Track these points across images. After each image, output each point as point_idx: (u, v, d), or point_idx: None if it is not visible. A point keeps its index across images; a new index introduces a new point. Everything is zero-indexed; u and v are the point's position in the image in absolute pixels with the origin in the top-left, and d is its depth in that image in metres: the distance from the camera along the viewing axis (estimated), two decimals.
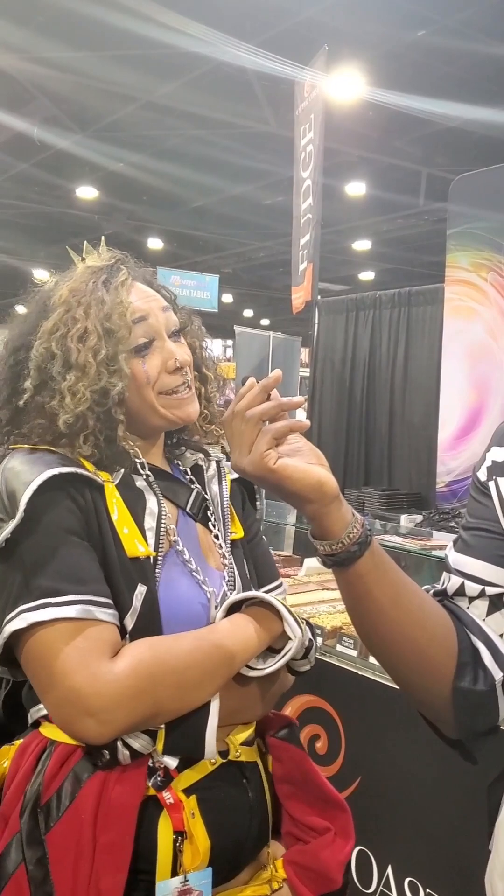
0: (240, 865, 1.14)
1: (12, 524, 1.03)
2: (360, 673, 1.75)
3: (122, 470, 1.15)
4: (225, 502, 1.27)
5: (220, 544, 1.22)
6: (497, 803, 0.96)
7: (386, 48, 6.17)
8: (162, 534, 1.13)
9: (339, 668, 1.86)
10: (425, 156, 9.06)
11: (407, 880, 1.72)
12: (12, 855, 1.03)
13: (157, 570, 1.10)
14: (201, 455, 1.30)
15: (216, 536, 1.23)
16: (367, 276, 16.50)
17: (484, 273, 3.75)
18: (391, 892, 1.75)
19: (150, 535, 1.12)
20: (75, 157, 9.03)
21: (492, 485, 0.98)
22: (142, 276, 1.22)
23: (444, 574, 1.01)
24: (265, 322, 21.35)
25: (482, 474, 1.00)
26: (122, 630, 1.05)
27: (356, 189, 10.04)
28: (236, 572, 1.21)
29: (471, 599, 0.96)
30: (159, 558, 1.11)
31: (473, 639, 0.94)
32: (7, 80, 7.08)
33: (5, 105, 7.64)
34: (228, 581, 1.20)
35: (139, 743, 1.03)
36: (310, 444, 0.92)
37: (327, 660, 1.92)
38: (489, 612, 0.95)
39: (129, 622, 1.05)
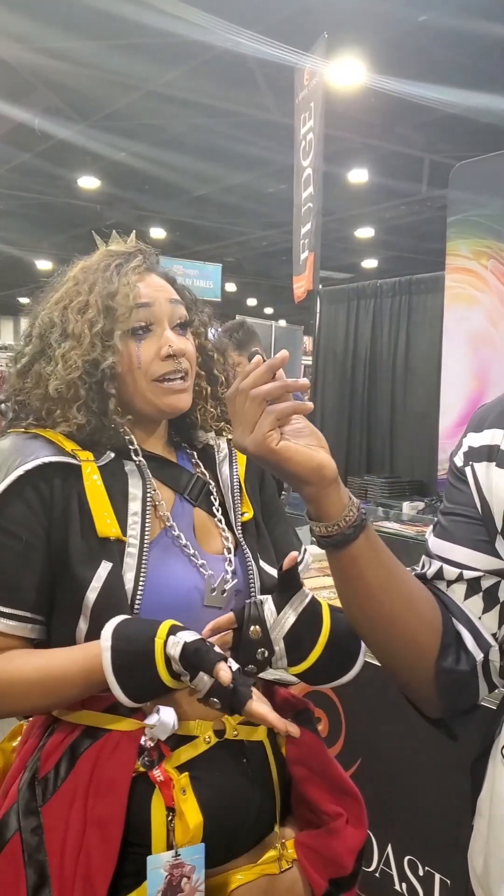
0: (240, 844, 1.16)
1: None
2: None
3: (112, 454, 1.17)
4: (235, 483, 1.28)
5: (222, 528, 1.23)
6: (480, 781, 0.99)
7: (387, 34, 6.13)
8: (148, 518, 1.15)
9: None
10: (428, 142, 9.01)
11: (406, 858, 1.75)
12: (10, 823, 1.09)
13: (144, 551, 1.12)
14: (212, 434, 1.32)
15: (220, 520, 1.24)
16: (370, 263, 16.45)
17: (484, 260, 3.74)
18: (391, 871, 1.79)
19: (135, 519, 1.14)
20: (77, 147, 9.01)
21: (468, 470, 0.99)
22: (163, 272, 1.25)
23: (424, 558, 1.03)
24: (269, 311, 21.32)
25: (458, 460, 1.02)
26: (86, 605, 1.09)
27: (358, 176, 10.00)
28: (244, 554, 1.22)
29: (449, 583, 0.98)
30: (134, 540, 1.12)
31: (455, 622, 0.97)
32: (7, 71, 7.06)
33: (6, 95, 7.62)
34: (229, 562, 1.21)
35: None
36: (311, 426, 0.92)
37: None
38: (467, 595, 0.97)
39: (91, 597, 1.09)
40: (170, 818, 1.07)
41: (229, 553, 1.22)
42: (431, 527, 1.06)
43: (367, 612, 0.96)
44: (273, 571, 1.23)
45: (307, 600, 1.10)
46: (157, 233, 13.60)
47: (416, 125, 8.42)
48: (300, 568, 1.19)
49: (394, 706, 1.51)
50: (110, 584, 1.10)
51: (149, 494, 1.17)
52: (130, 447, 1.20)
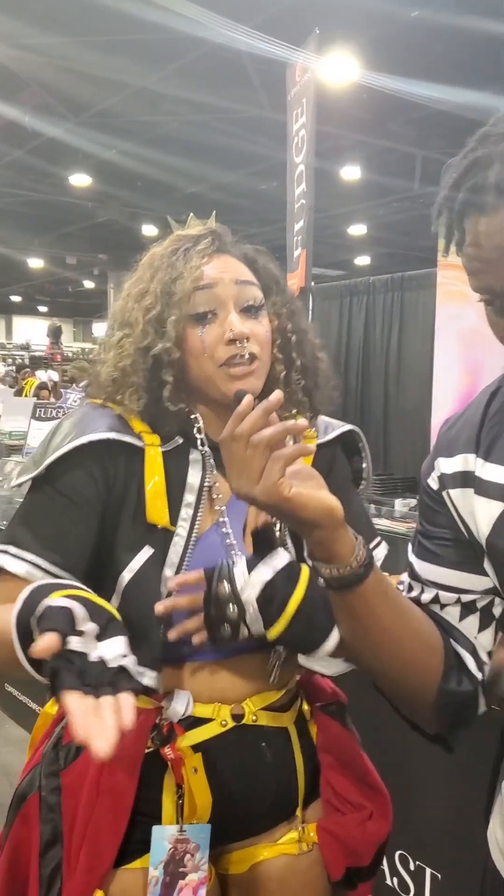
0: (257, 824, 1.18)
1: (32, 474, 1.11)
2: None
3: (181, 440, 1.16)
4: None
5: (279, 527, 1.19)
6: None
7: (379, 30, 6.13)
8: (201, 510, 1.14)
9: None
10: (420, 139, 9.03)
11: (398, 853, 1.77)
12: (34, 782, 1.16)
13: (190, 544, 1.13)
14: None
15: (274, 521, 1.19)
16: (363, 260, 16.49)
17: None
18: (383, 865, 1.80)
19: (188, 511, 1.13)
20: (68, 145, 9.00)
21: (444, 495, 0.98)
22: (240, 252, 1.19)
23: (412, 581, 1.01)
24: None
25: (434, 483, 0.99)
26: (119, 584, 1.10)
27: (351, 173, 10.01)
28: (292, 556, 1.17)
29: (443, 606, 0.98)
30: (183, 531, 1.12)
31: (454, 643, 0.96)
32: None
33: None
34: None
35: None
36: (307, 466, 0.90)
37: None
38: (462, 616, 0.97)
39: (126, 576, 1.10)
40: (179, 795, 1.11)
41: None
42: (411, 545, 1.04)
43: (378, 648, 0.94)
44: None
45: (283, 561, 1.08)
46: (149, 230, 13.60)
47: (407, 121, 8.44)
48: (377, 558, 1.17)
49: (387, 706, 1.52)
50: (147, 569, 1.11)
51: (206, 486, 1.15)
52: (197, 436, 1.17)
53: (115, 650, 0.85)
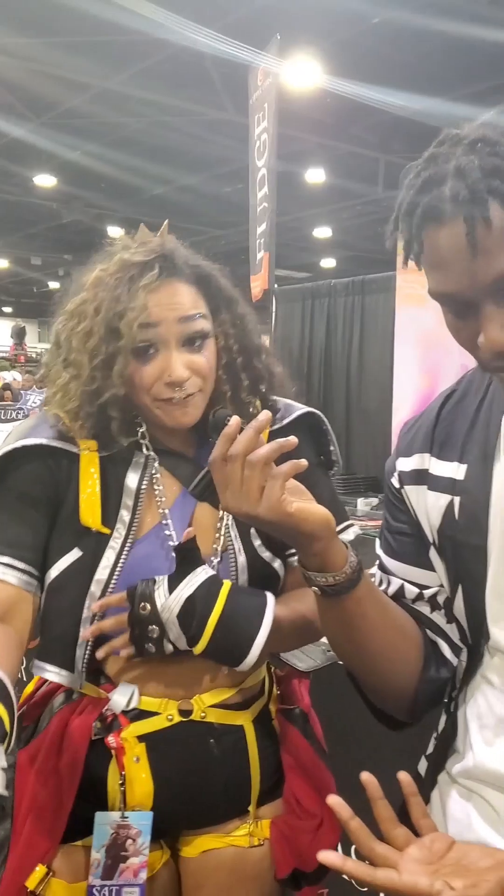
0: (205, 817, 1.22)
1: None
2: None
3: (126, 443, 1.18)
4: None
5: (226, 525, 1.21)
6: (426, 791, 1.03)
7: (342, 35, 6.19)
8: (139, 512, 1.17)
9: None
10: (383, 143, 9.12)
11: (352, 848, 1.80)
12: None
13: (126, 546, 1.15)
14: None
15: (221, 517, 1.22)
16: (328, 263, 16.59)
17: None
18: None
19: (125, 514, 1.16)
20: (32, 146, 8.94)
21: (403, 493, 1.04)
22: (190, 273, 1.17)
23: (382, 575, 1.07)
24: None
25: (395, 482, 1.05)
26: (46, 580, 1.15)
27: (316, 176, 10.08)
28: (236, 554, 1.21)
29: (413, 600, 1.03)
30: (119, 534, 1.15)
31: (429, 633, 1.02)
32: None
33: None
34: (214, 567, 1.19)
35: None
36: (294, 480, 0.92)
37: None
38: (432, 609, 1.03)
39: (52, 574, 1.15)
40: (122, 782, 1.16)
41: (216, 558, 1.20)
42: (379, 541, 1.10)
43: (366, 648, 0.98)
44: (276, 563, 1.23)
45: (202, 578, 1.11)
46: (115, 231, 13.56)
47: (370, 126, 8.52)
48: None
49: (356, 707, 1.57)
50: (73, 571, 1.15)
51: (143, 489, 1.18)
52: (142, 441, 1.21)
53: None
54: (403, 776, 0.85)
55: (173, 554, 1.15)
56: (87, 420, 1.16)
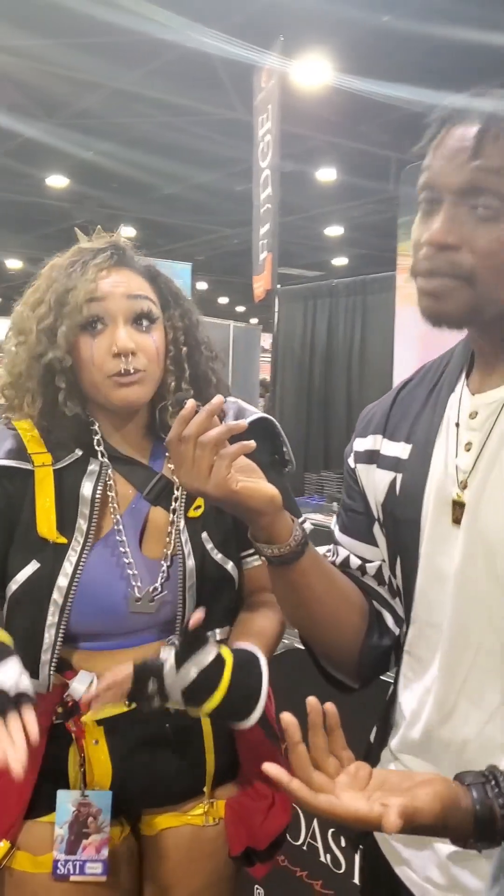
0: (161, 796, 1.28)
1: None
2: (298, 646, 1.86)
3: (80, 452, 1.23)
4: None
5: (178, 528, 1.25)
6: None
7: (351, 33, 6.20)
8: (95, 520, 1.21)
9: (301, 651, 1.96)
10: (394, 141, 9.12)
11: (330, 831, 1.86)
12: None
13: (84, 553, 1.20)
14: None
15: (173, 521, 1.26)
16: (340, 261, 16.57)
17: None
18: (317, 843, 1.89)
19: (82, 521, 1.21)
20: (44, 146, 8.99)
21: (356, 471, 1.11)
22: (140, 267, 1.25)
23: (335, 547, 1.15)
24: (240, 309, 21.35)
25: (351, 461, 1.13)
26: (7, 594, 1.21)
27: (326, 175, 10.09)
28: (185, 559, 1.24)
29: (363, 573, 1.11)
30: (77, 544, 1.20)
31: (375, 603, 1.10)
32: None
33: None
34: (163, 572, 1.24)
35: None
36: (246, 459, 0.99)
37: (291, 642, 2.00)
38: (379, 584, 1.11)
39: (12, 587, 1.20)
40: (82, 764, 1.22)
41: (166, 562, 1.25)
42: (336, 517, 1.18)
43: (312, 614, 1.07)
44: (228, 565, 1.28)
45: (209, 657, 1.13)
46: (127, 231, 13.60)
47: (382, 124, 8.52)
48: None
49: (319, 692, 1.61)
50: (32, 582, 1.20)
51: (98, 497, 1.22)
52: (97, 447, 1.25)
53: (10, 676, 0.97)
54: (310, 700, 0.90)
55: (126, 560, 1.22)
56: (35, 392, 1.21)
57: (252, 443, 0.97)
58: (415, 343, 3.81)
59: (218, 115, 8.03)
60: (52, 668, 1.21)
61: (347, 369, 4.77)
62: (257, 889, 2.08)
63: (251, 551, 1.30)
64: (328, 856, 1.89)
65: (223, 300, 21.87)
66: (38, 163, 9.93)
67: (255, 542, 1.01)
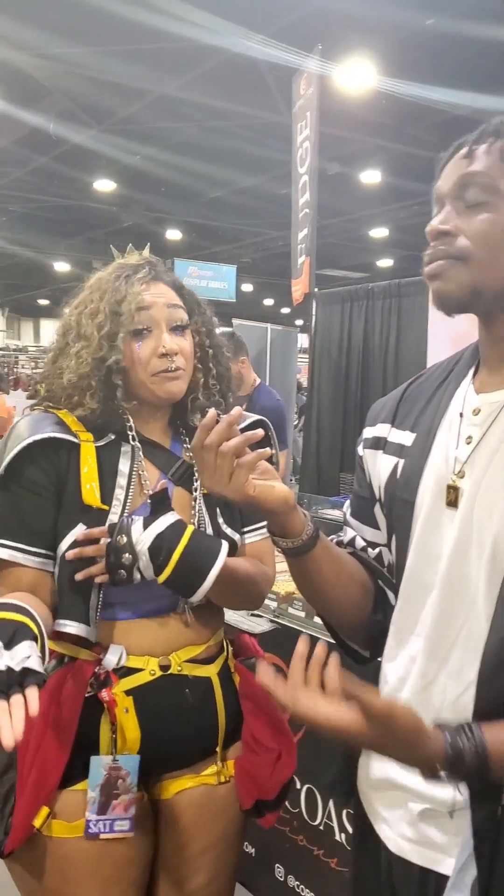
0: (180, 759, 1.41)
1: None
2: (306, 631, 1.94)
3: (113, 436, 1.40)
4: None
5: (199, 505, 1.43)
6: None
7: (396, 36, 6.20)
8: (132, 491, 1.38)
9: (290, 629, 2.07)
10: (439, 143, 9.05)
11: (344, 812, 1.93)
12: None
13: (124, 518, 1.35)
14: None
15: (195, 499, 1.44)
16: (385, 263, 16.53)
17: None
18: (332, 823, 1.97)
19: (120, 492, 1.37)
20: (92, 151, 9.19)
21: (364, 457, 1.22)
22: (170, 280, 1.46)
23: (345, 526, 1.27)
24: (285, 311, 21.41)
25: (360, 449, 1.24)
26: (58, 554, 1.34)
27: (371, 177, 10.11)
28: (206, 528, 1.43)
29: (370, 556, 1.22)
30: (117, 508, 1.35)
31: (380, 582, 1.22)
32: (23, 77, 7.24)
33: (22, 101, 7.81)
34: None
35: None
36: (264, 462, 1.09)
37: (280, 621, 2.13)
38: (384, 564, 1.21)
39: (63, 548, 1.34)
40: (113, 731, 1.34)
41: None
42: (348, 501, 1.30)
43: (325, 596, 1.19)
44: (236, 537, 1.47)
45: (171, 519, 1.32)
46: (174, 234, 13.77)
47: (426, 126, 8.50)
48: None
49: None
50: (80, 542, 1.34)
51: (134, 472, 1.39)
52: (129, 432, 1.42)
53: (19, 655, 1.06)
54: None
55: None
56: (96, 389, 1.37)
57: (268, 451, 1.09)
58: (447, 345, 3.85)
59: (262, 119, 8.10)
60: (97, 617, 1.35)
61: (383, 371, 4.81)
62: (278, 867, 2.17)
63: (251, 528, 1.50)
64: (343, 835, 1.97)
65: (268, 302, 21.97)
66: (85, 168, 10.13)
67: (271, 535, 1.13)
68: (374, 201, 11.25)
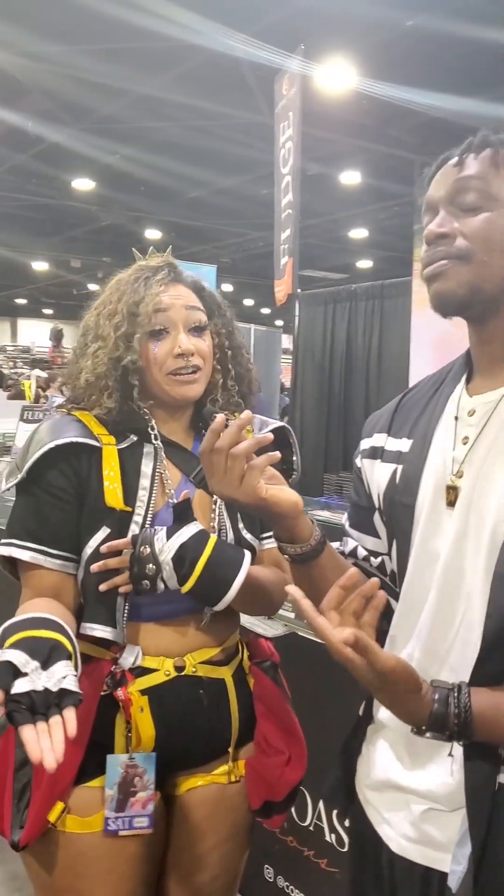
0: (194, 757, 1.42)
1: (18, 478, 1.35)
2: (299, 633, 1.96)
3: (135, 438, 1.40)
4: None
5: (218, 507, 1.43)
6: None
7: (377, 37, 6.22)
8: (155, 492, 1.38)
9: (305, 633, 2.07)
10: (419, 145, 9.13)
11: (334, 812, 1.94)
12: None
13: (147, 521, 1.35)
14: None
15: (215, 500, 1.43)
16: (364, 264, 16.61)
17: None
18: (322, 824, 1.98)
19: (143, 493, 1.37)
20: (71, 150, 9.14)
21: (362, 467, 1.23)
22: (190, 281, 1.46)
23: (345, 537, 1.27)
24: (265, 311, 21.46)
25: (357, 460, 1.25)
26: (83, 557, 1.34)
27: (351, 178, 10.15)
28: (227, 532, 1.43)
29: (372, 566, 1.22)
30: (141, 510, 1.35)
31: (380, 592, 1.17)
32: (0, 75, 7.20)
33: (0, 99, 7.76)
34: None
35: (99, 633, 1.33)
36: (271, 467, 1.09)
37: (293, 627, 2.11)
38: (386, 577, 1.21)
39: (87, 552, 1.34)
40: (128, 729, 1.35)
41: (212, 532, 1.42)
42: (347, 513, 1.29)
43: None
44: (253, 540, 1.46)
45: (195, 530, 1.32)
46: (153, 234, 13.74)
47: (406, 128, 8.54)
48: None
49: (332, 683, 1.72)
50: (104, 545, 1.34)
51: (157, 473, 1.39)
52: (151, 432, 1.42)
53: (56, 675, 1.05)
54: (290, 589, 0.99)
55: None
56: (113, 389, 1.37)
57: (278, 454, 1.08)
58: (429, 346, 3.88)
59: (244, 119, 8.09)
60: (123, 621, 1.35)
61: (366, 372, 4.83)
62: (267, 868, 2.17)
63: (268, 535, 1.48)
64: (333, 836, 1.97)
65: (248, 302, 21.99)
66: (64, 166, 10.07)
67: (278, 542, 1.12)
68: (354, 202, 11.29)
